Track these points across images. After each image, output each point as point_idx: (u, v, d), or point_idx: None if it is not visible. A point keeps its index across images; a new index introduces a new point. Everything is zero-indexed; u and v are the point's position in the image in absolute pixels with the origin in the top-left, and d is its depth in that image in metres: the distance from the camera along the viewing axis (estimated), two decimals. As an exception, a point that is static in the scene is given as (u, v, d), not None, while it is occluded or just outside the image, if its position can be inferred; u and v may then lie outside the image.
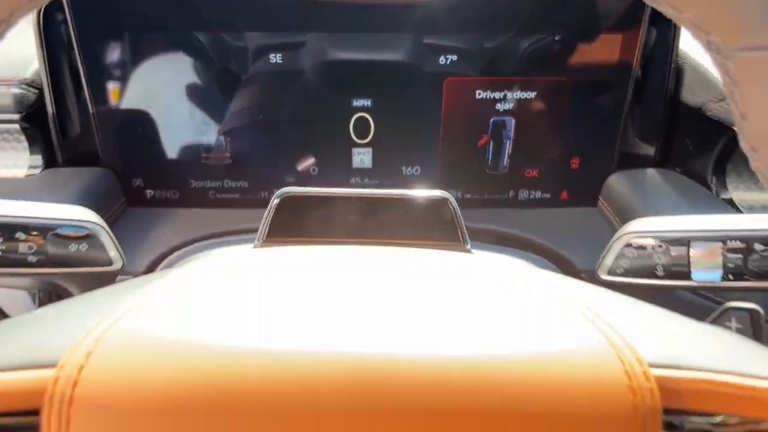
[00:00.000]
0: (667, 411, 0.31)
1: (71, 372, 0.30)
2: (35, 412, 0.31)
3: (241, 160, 0.74)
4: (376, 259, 0.44)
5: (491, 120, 0.72)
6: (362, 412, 0.29)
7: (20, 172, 0.72)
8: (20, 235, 0.46)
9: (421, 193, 0.50)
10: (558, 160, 0.74)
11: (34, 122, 0.71)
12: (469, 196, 0.76)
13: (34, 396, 0.30)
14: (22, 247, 0.46)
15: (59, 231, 0.48)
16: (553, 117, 0.72)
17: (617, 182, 0.73)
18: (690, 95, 0.70)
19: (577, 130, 0.73)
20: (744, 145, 0.29)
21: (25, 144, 0.71)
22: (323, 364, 0.30)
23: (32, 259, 0.47)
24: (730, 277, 0.46)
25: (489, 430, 0.29)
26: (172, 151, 0.73)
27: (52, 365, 0.30)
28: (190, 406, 0.29)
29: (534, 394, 0.29)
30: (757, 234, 0.46)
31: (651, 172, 0.74)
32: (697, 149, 0.71)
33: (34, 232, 0.47)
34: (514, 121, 0.72)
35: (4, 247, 0.45)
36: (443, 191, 0.50)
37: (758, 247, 0.45)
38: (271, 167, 0.73)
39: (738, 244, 0.46)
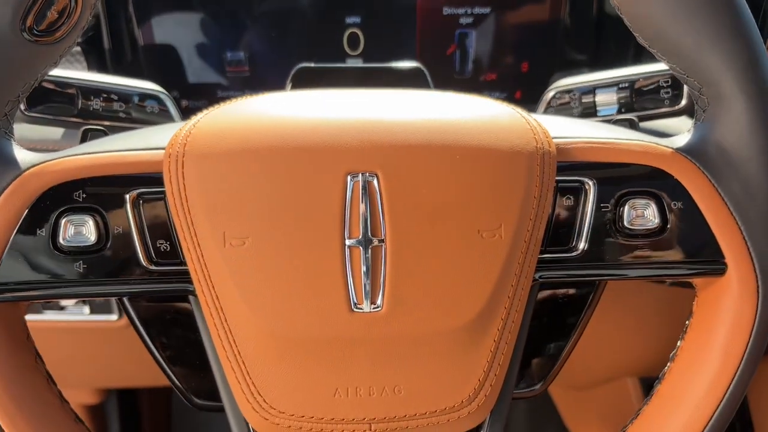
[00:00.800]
0: (562, 168, 0.49)
1: (182, 139, 0.48)
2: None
3: (257, 72, 0.92)
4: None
5: (456, 32, 0.90)
6: (367, 146, 0.47)
7: (81, 87, 0.89)
8: (114, 96, 0.64)
9: (400, 63, 0.69)
10: (511, 66, 0.93)
11: (92, 45, 0.88)
12: (441, 98, 0.94)
13: (154, 164, 0.49)
14: (115, 106, 0.64)
15: (141, 97, 0.66)
16: (505, 29, 0.91)
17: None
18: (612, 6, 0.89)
19: (525, 40, 0.92)
20: None
21: (85, 64, 0.89)
22: (345, 122, 0.48)
23: (121, 115, 0.65)
24: (623, 110, 0.65)
25: (443, 156, 0.47)
26: (201, 68, 0.92)
27: (163, 147, 0.48)
28: (256, 149, 0.47)
29: (474, 136, 0.48)
30: (637, 78, 0.65)
31: (583, 71, 0.92)
32: (619, 51, 0.90)
33: (124, 96, 0.65)
34: (474, 32, 0.90)
35: (103, 104, 0.63)
36: (418, 63, 0.69)
37: (638, 86, 0.64)
38: (281, 77, 0.92)
39: (626, 86, 0.65)
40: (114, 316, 0.94)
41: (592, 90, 0.66)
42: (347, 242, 0.46)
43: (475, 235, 0.47)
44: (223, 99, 0.95)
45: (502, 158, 0.47)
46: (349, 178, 0.46)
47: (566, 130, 0.51)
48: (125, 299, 0.53)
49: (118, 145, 0.50)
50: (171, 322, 0.53)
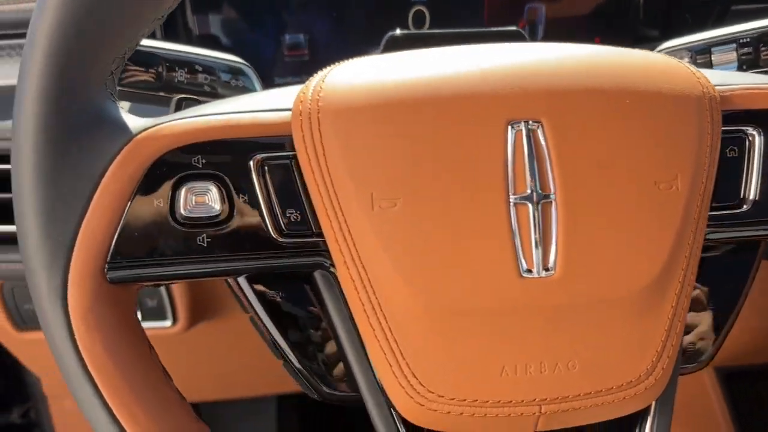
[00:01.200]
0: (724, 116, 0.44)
1: (312, 95, 0.43)
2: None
3: (317, 56, 0.87)
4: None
5: (526, 7, 0.86)
6: (528, 92, 0.42)
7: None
8: (198, 68, 0.59)
9: (499, 29, 0.65)
10: (583, 41, 0.88)
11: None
12: (509, 78, 0.90)
13: (277, 126, 0.43)
14: (200, 78, 0.59)
15: (227, 69, 0.61)
16: (576, 2, 0.87)
17: (631, 56, 0.88)
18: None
19: (597, 14, 0.88)
20: None
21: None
22: (498, 68, 0.43)
23: (206, 88, 0.59)
24: (744, 68, 0.61)
25: (612, 100, 0.42)
26: (259, 55, 0.87)
27: (286, 108, 0.43)
28: (403, 101, 0.42)
29: (642, 79, 0.43)
30: (758, 33, 0.61)
31: (656, 46, 0.89)
32: (695, 22, 0.87)
33: (209, 68, 0.59)
34: (544, 7, 0.87)
35: (188, 77, 0.58)
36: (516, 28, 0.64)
37: (764, 40, 0.60)
38: (343, 59, 0.87)
39: (747, 41, 0.60)
40: (168, 322, 0.88)
41: (706, 49, 0.62)
42: (512, 198, 0.41)
43: (652, 187, 0.42)
44: (281, 86, 0.90)
45: (674, 102, 0.43)
46: (509, 127, 0.41)
47: (723, 78, 0.47)
48: (242, 279, 0.47)
49: (231, 107, 0.45)
50: (295, 302, 0.47)
